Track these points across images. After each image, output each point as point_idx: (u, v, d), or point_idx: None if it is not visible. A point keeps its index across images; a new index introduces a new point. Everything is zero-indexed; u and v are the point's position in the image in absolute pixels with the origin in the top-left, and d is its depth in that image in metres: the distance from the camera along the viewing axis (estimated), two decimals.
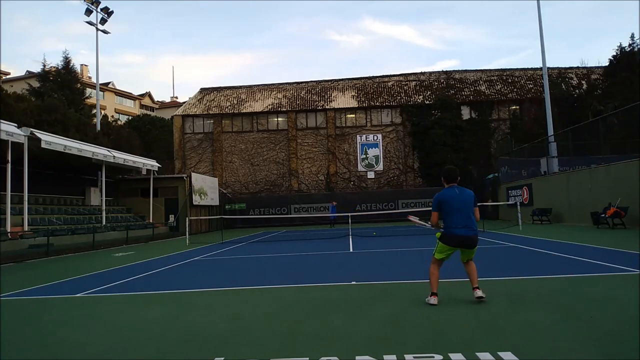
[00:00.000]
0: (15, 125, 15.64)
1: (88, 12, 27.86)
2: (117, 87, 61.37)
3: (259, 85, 41.17)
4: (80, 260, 12.89)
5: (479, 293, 4.91)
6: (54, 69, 34.12)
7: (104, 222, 20.98)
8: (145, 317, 5.07)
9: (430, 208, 5.41)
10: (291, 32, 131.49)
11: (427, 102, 35.65)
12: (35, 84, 33.42)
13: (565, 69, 35.92)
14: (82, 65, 54.31)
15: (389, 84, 39.06)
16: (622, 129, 20.52)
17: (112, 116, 48.97)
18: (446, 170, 5.32)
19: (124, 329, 4.50)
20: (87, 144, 20.20)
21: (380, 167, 35.43)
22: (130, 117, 53.58)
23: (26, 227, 15.37)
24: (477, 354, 3.18)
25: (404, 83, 38.96)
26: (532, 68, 38.49)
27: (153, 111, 62.58)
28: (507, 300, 5.04)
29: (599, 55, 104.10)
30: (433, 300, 4.90)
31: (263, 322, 4.51)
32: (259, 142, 36.87)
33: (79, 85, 34.93)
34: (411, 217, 6.55)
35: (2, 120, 14.84)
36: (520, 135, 29.39)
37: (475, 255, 5.20)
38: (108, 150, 21.72)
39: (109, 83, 59.14)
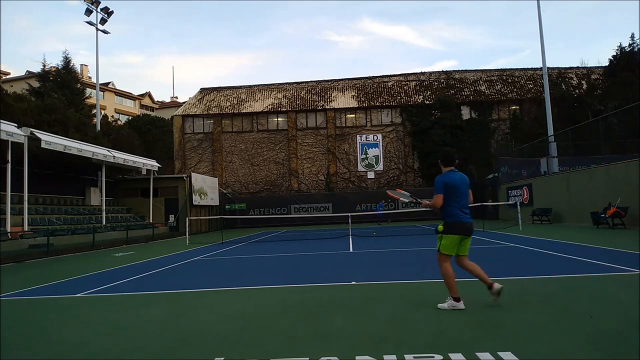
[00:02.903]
0: (15, 125, 15.65)
1: (88, 12, 27.89)
2: (117, 87, 61.36)
3: (259, 85, 41.18)
4: (80, 260, 12.89)
5: (497, 286, 4.54)
6: (54, 69, 34.12)
7: (104, 222, 20.98)
8: (145, 317, 5.07)
9: (427, 207, 5.11)
10: (290, 32, 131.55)
11: (427, 102, 35.66)
12: (35, 84, 33.42)
13: (565, 69, 35.92)
14: (82, 65, 54.38)
15: (389, 84, 39.06)
16: (622, 129, 20.52)
17: (112, 116, 48.96)
18: (445, 153, 4.88)
19: (124, 329, 4.50)
20: (87, 144, 20.20)
21: (380, 167, 35.43)
22: (130, 117, 53.58)
23: (26, 227, 15.37)
24: (477, 354, 3.18)
25: (403, 83, 38.97)
26: (532, 68, 38.51)
27: (153, 111, 62.57)
28: (507, 300, 5.04)
29: (599, 55, 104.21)
30: (460, 304, 4.49)
31: (263, 322, 4.50)
32: (259, 142, 36.88)
33: (79, 85, 34.93)
34: (390, 192, 5.87)
35: (2, 120, 14.84)
36: (520, 135, 29.39)
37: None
38: (108, 150, 21.72)
39: (109, 83, 59.13)
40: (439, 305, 4.63)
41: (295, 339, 3.86)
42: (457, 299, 4.54)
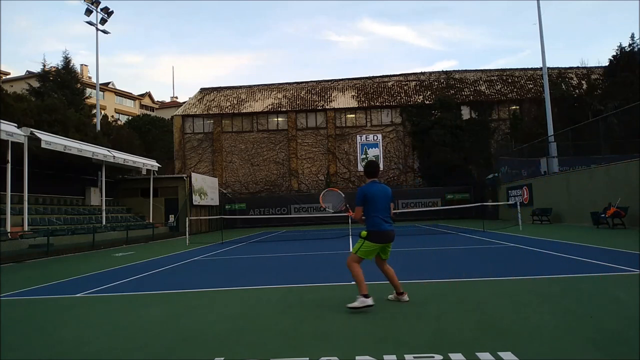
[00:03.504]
0: (15, 125, 15.65)
1: (88, 12, 27.90)
2: (117, 87, 61.36)
3: (259, 85, 41.19)
4: (80, 260, 12.89)
5: (405, 298, 4.99)
6: (54, 69, 34.13)
7: (104, 222, 20.98)
8: (145, 317, 5.07)
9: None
10: (290, 32, 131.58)
11: (427, 102, 35.67)
12: (35, 84, 33.42)
13: (565, 69, 35.94)
14: (82, 65, 54.40)
15: (389, 84, 39.07)
16: (622, 129, 20.52)
17: (112, 116, 48.96)
18: (369, 165, 5.19)
19: (124, 329, 4.50)
20: (87, 144, 20.20)
21: (380, 167, 35.38)
22: (130, 117, 53.57)
23: (26, 227, 15.37)
24: (477, 354, 3.18)
25: (403, 83, 38.97)
26: (532, 68, 38.53)
27: (153, 111, 62.58)
28: (507, 300, 5.04)
29: (599, 55, 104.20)
30: (369, 300, 4.64)
31: (263, 322, 4.50)
32: (259, 142, 36.88)
33: (79, 85, 34.93)
34: (321, 201, 5.99)
35: (2, 120, 14.84)
36: (520, 135, 29.38)
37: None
38: (108, 150, 21.72)
39: (109, 83, 59.13)
40: (349, 305, 4.71)
41: (295, 339, 3.86)
42: (366, 296, 4.69)
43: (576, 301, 4.85)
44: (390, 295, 5.19)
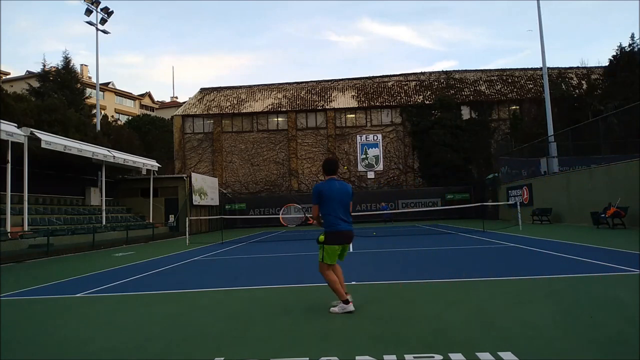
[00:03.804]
0: (15, 125, 15.65)
1: (88, 12, 27.89)
2: (117, 87, 61.36)
3: (259, 85, 41.18)
4: (80, 260, 12.89)
5: (351, 308, 4.58)
6: (54, 69, 34.12)
7: (104, 222, 20.98)
8: (145, 316, 5.07)
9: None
10: (290, 32, 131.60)
11: (427, 102, 35.68)
12: (35, 84, 33.42)
13: (565, 69, 35.95)
14: (82, 65, 54.37)
15: (389, 84, 39.07)
16: (622, 129, 20.51)
17: (112, 116, 48.95)
18: (327, 162, 4.90)
19: (124, 329, 4.50)
20: (87, 144, 20.20)
21: (380, 167, 35.43)
22: (130, 117, 53.57)
23: (26, 227, 15.37)
24: (477, 354, 3.18)
25: (403, 83, 38.97)
26: (532, 68, 38.53)
27: (153, 111, 62.57)
28: (507, 300, 5.04)
29: (599, 55, 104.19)
30: (350, 307, 4.55)
31: (263, 322, 4.50)
32: (259, 142, 36.88)
33: (79, 85, 34.91)
34: (284, 222, 6.02)
35: (2, 120, 14.84)
36: (520, 135, 29.39)
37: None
38: (108, 150, 21.72)
39: (109, 83, 59.13)
40: (330, 309, 4.65)
41: (295, 339, 3.85)
42: (346, 302, 4.59)
43: (576, 301, 4.85)
44: (333, 308, 4.67)
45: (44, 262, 12.77)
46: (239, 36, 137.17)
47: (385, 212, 29.19)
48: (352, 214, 4.97)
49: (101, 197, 22.64)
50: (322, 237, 4.70)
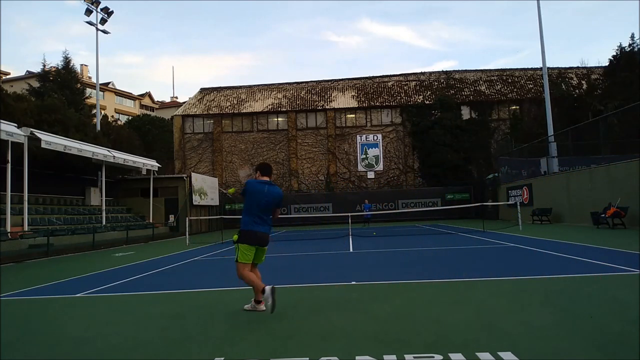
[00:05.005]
0: (15, 125, 15.65)
1: (88, 12, 27.89)
2: (117, 87, 61.37)
3: (259, 85, 41.18)
4: (80, 260, 12.89)
5: (262, 307, 4.75)
6: (54, 69, 34.13)
7: (104, 222, 20.98)
8: (145, 316, 5.08)
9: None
10: (290, 33, 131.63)
11: (427, 102, 35.67)
12: (35, 84, 33.42)
13: (565, 69, 35.95)
14: (82, 65, 54.40)
15: (389, 84, 39.06)
16: (622, 129, 20.52)
17: (112, 116, 48.95)
18: (263, 164, 5.25)
19: (124, 329, 4.50)
20: (87, 144, 20.20)
21: (380, 167, 35.43)
22: (130, 117, 53.56)
23: (26, 227, 15.36)
24: (477, 354, 3.18)
25: (403, 83, 38.96)
26: (532, 68, 38.52)
27: (153, 111, 62.57)
28: (507, 300, 5.04)
29: (599, 55, 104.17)
30: (261, 306, 4.75)
31: (263, 322, 4.50)
32: (259, 142, 36.88)
33: (79, 85, 34.92)
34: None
35: (2, 120, 14.84)
36: (520, 135, 29.39)
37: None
38: (108, 150, 21.72)
39: (109, 83, 59.13)
40: (245, 306, 4.92)
41: (295, 339, 3.85)
42: (259, 302, 4.73)
43: (576, 301, 4.85)
44: (246, 305, 4.98)
45: (44, 262, 12.77)
46: (239, 36, 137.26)
47: (366, 212, 26.14)
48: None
49: (101, 197, 22.64)
50: (235, 236, 4.78)
